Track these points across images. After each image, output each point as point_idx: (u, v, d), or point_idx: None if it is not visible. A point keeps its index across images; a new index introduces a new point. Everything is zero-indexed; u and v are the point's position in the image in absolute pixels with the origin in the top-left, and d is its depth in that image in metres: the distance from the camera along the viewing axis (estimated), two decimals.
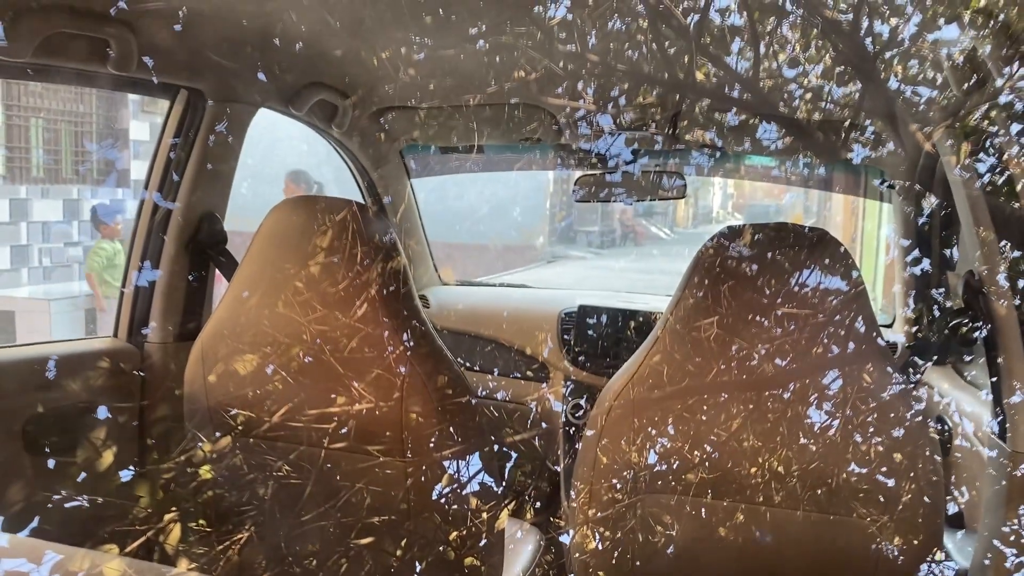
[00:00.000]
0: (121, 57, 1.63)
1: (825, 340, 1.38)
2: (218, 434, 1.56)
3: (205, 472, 1.58)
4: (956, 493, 1.79)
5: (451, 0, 1.60)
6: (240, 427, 1.54)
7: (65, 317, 6.94)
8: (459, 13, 1.68)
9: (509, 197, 12.76)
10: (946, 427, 1.88)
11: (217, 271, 2.02)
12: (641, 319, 2.53)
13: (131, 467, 1.84)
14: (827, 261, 1.41)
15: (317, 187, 5.58)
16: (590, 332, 2.56)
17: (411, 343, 1.47)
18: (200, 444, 1.58)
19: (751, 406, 1.39)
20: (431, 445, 1.45)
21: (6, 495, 1.63)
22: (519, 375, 2.64)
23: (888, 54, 1.47)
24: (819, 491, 1.38)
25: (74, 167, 8.49)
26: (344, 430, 1.48)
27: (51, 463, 1.70)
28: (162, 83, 1.84)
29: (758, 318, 1.40)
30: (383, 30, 1.84)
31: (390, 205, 2.79)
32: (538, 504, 2.52)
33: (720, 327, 1.41)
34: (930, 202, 2.00)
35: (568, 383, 2.57)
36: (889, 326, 2.46)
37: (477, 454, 1.49)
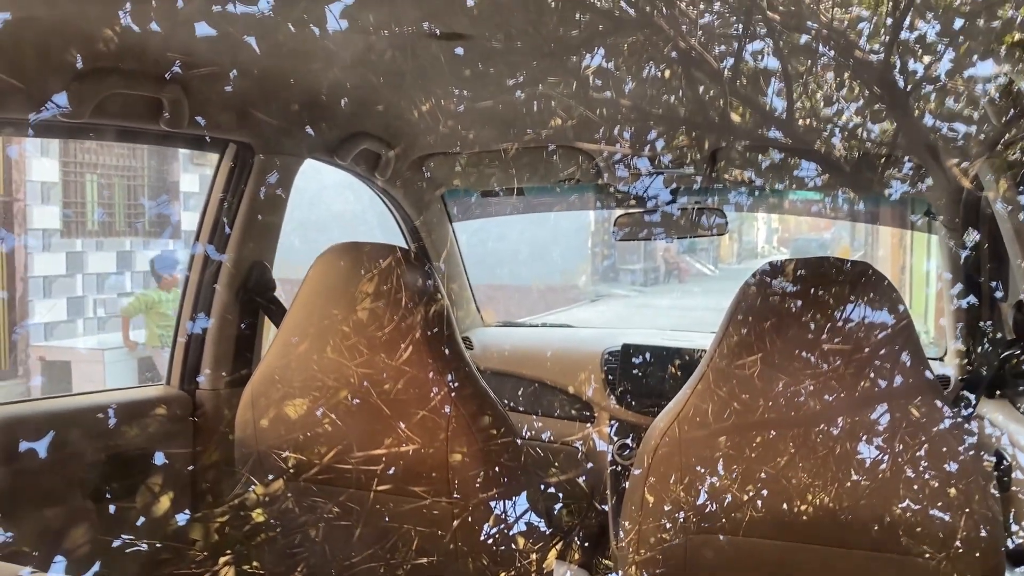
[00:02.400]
0: (174, 115, 1.69)
1: (872, 375, 1.37)
2: (270, 477, 1.59)
3: (257, 515, 1.60)
4: (1017, 528, 1.74)
5: (488, 53, 1.65)
6: (291, 470, 1.57)
7: (119, 366, 7.12)
8: (496, 65, 1.72)
9: (551, 237, 12.81)
10: (1004, 461, 1.83)
11: (267, 318, 2.07)
12: (686, 357, 2.51)
13: (186, 511, 1.87)
14: (871, 295, 1.40)
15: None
16: (635, 371, 2.55)
17: (455, 384, 1.49)
18: (252, 488, 1.61)
19: (800, 443, 1.38)
20: (477, 486, 1.46)
21: (70, 540, 1.68)
22: (564, 415, 2.63)
23: (923, 91, 1.48)
24: (872, 529, 1.36)
25: (127, 220, 8.76)
26: (391, 471, 1.49)
27: (111, 508, 1.74)
28: (212, 138, 1.92)
29: (803, 354, 1.39)
30: (424, 83, 1.89)
31: (433, 249, 2.84)
32: (586, 545, 2.50)
33: (765, 363, 1.41)
34: (974, 236, 1.97)
35: (613, 422, 2.55)
36: (940, 359, 2.41)
37: (524, 494, 1.49)
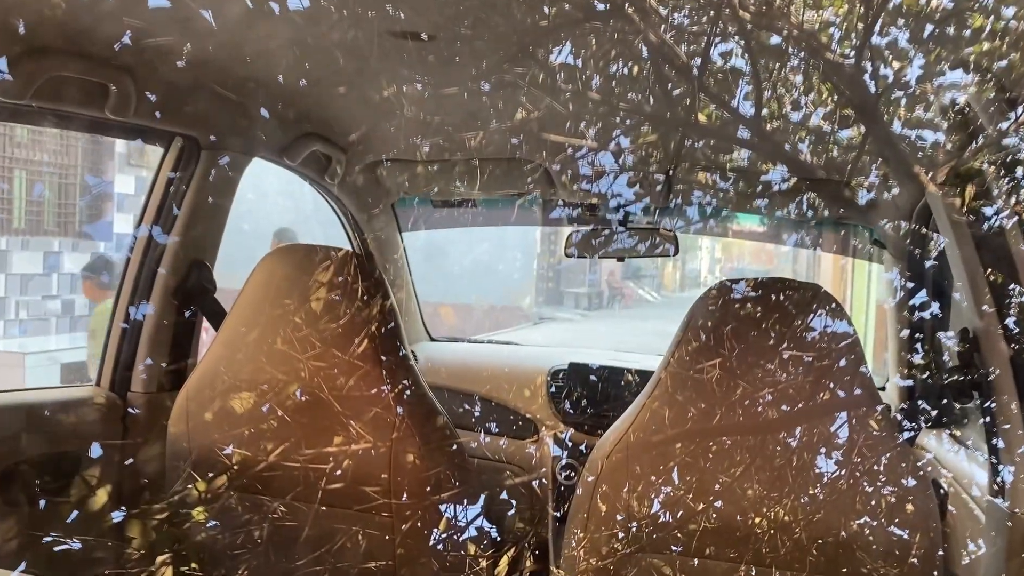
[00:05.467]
0: (119, 102, 1.62)
1: (827, 386, 1.38)
2: (211, 474, 1.53)
3: (198, 514, 1.53)
4: (956, 555, 1.76)
5: (452, 40, 1.61)
6: (234, 467, 1.51)
7: (41, 371, 6.83)
8: (461, 54, 1.69)
9: (496, 257, 12.79)
10: (942, 490, 1.86)
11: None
12: (632, 377, 2.51)
13: (122, 509, 1.78)
14: (823, 312, 1.42)
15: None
16: (581, 389, 2.53)
17: (402, 389, 1.47)
18: (193, 485, 1.54)
19: (754, 453, 1.38)
20: (427, 489, 1.43)
21: None
22: (509, 433, 2.59)
23: (891, 96, 1.50)
24: (821, 543, 1.35)
25: (56, 219, 8.45)
26: (339, 472, 1.45)
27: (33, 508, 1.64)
28: (158, 129, 1.84)
29: (760, 361, 1.40)
30: (386, 70, 1.83)
31: (381, 257, 2.78)
32: (537, 552, 2.45)
33: (722, 369, 1.40)
34: (925, 254, 2.01)
35: (558, 441, 2.52)
36: (882, 388, 2.44)
37: (474, 499, 1.47)
